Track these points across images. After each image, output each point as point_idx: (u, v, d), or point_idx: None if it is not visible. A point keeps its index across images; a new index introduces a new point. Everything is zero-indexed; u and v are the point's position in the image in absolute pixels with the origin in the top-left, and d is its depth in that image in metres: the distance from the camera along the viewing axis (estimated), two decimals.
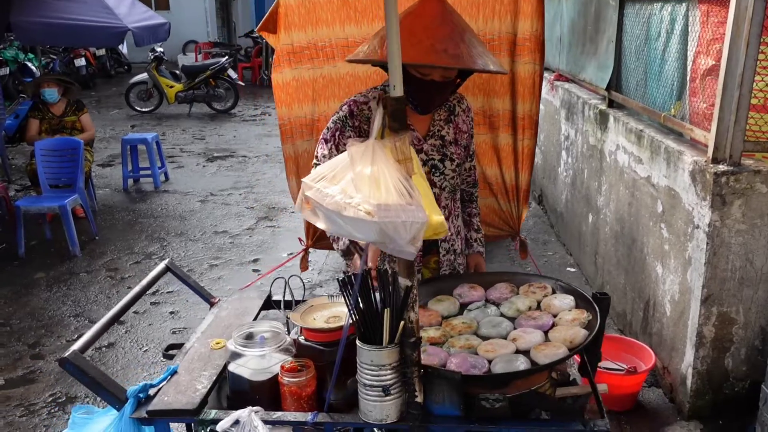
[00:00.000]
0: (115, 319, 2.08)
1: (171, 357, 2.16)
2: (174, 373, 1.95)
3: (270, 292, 2.47)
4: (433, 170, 2.34)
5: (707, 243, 3.00)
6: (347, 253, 2.19)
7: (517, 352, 1.87)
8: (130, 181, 7.99)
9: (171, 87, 12.77)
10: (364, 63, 2.32)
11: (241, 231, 6.42)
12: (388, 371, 1.71)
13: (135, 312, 4.74)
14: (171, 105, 13.05)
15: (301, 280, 2.46)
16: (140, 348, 4.27)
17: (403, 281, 1.67)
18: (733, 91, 2.87)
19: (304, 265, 3.02)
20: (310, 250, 3.15)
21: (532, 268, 4.89)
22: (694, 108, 3.36)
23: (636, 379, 3.40)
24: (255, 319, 2.31)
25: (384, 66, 2.32)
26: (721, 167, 2.93)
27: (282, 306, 2.42)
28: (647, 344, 3.62)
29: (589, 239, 4.93)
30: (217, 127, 11.71)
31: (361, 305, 1.72)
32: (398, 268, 1.68)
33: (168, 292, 5.04)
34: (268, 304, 2.45)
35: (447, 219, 2.38)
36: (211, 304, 2.49)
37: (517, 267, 5.30)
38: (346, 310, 2.04)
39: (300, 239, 3.06)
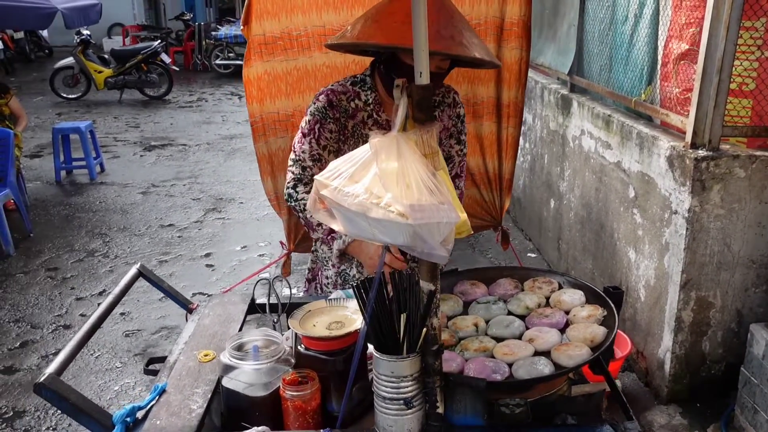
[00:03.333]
0: (91, 334, 1.86)
1: (154, 372, 1.96)
2: (162, 391, 1.76)
3: (253, 295, 2.30)
4: None
5: (687, 228, 2.99)
6: (341, 257, 2.05)
7: (535, 353, 1.78)
8: (63, 173, 7.52)
9: (100, 72, 12.12)
10: (344, 49, 2.16)
11: (189, 224, 6.13)
12: (409, 382, 1.58)
13: (82, 315, 4.44)
14: (100, 91, 12.41)
15: (288, 282, 2.30)
16: (91, 354, 3.98)
17: (426, 285, 1.54)
18: (712, 76, 2.86)
19: (287, 269, 2.84)
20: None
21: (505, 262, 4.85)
22: (666, 93, 3.36)
23: (613, 366, 3.39)
24: (242, 325, 2.14)
25: (366, 51, 2.17)
26: (701, 152, 2.93)
27: (267, 310, 2.25)
28: (620, 329, 3.62)
29: (551, 225, 4.93)
30: (151, 115, 11.20)
31: (377, 312, 1.58)
32: (418, 272, 1.55)
33: None
34: (252, 308, 2.28)
35: None
36: (190, 311, 2.29)
37: (485, 258, 5.27)
38: (347, 314, 1.90)
39: (282, 243, 2.88)
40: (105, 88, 12.19)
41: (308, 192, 1.98)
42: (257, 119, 2.59)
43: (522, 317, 1.96)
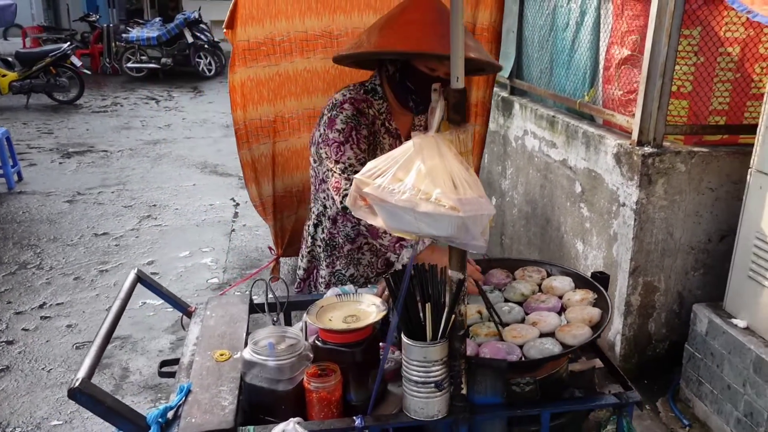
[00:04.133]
0: (109, 336, 1.86)
1: (170, 374, 1.96)
2: (189, 391, 1.78)
3: (251, 296, 2.33)
4: None
5: (635, 219, 3.26)
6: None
7: (540, 335, 1.92)
8: None
9: (3, 76, 11.45)
10: (352, 59, 2.20)
11: (125, 232, 5.95)
12: (439, 366, 1.68)
13: (24, 329, 4.24)
14: (4, 96, 11.71)
15: (285, 281, 2.34)
16: (42, 368, 3.82)
17: (455, 274, 1.65)
18: (656, 79, 3.13)
19: (276, 274, 2.85)
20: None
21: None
22: (609, 95, 3.63)
23: None
24: (247, 325, 2.17)
25: (368, 62, 2.21)
26: (647, 149, 3.19)
27: (266, 309, 2.29)
28: None
29: (493, 221, 5.15)
30: (64, 120, 10.71)
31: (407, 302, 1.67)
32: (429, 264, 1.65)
33: (58, 304, 4.56)
34: (251, 308, 2.31)
35: None
36: (188, 314, 2.29)
37: None
38: (361, 308, 1.98)
39: (270, 248, 2.90)
40: (10, 92, 11.53)
41: None
42: (241, 126, 2.61)
43: (519, 303, 2.11)
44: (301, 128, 2.76)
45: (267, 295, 2.32)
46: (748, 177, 2.93)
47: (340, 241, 2.35)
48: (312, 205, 2.45)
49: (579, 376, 1.99)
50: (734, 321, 3.01)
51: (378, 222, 1.56)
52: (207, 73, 15.06)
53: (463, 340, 1.71)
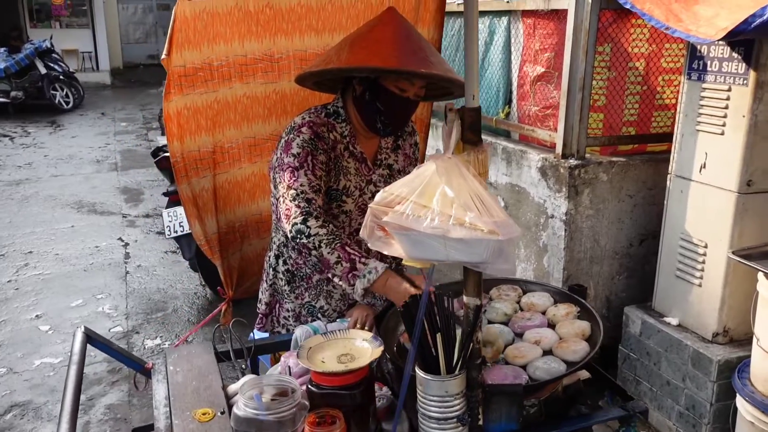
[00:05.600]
0: (75, 416, 1.59)
1: None
2: None
3: (214, 343, 2.12)
4: None
5: (565, 230, 3.36)
6: (365, 295, 1.94)
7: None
8: None
9: None
10: (315, 78, 2.09)
11: (1, 285, 5.32)
12: (460, 399, 1.60)
13: None
14: None
15: (245, 323, 2.16)
16: None
17: (472, 301, 1.58)
18: (575, 93, 3.26)
19: (227, 319, 2.61)
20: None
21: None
22: (524, 111, 3.74)
23: None
24: (221, 376, 1.96)
25: (330, 82, 2.10)
26: (572, 161, 3.31)
27: (233, 356, 2.10)
28: None
29: None
30: None
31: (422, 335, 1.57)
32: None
33: None
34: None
35: None
36: (146, 371, 2.04)
37: None
38: (354, 345, 1.86)
39: (220, 290, 2.66)
40: None
41: (322, 226, 1.88)
42: (178, 159, 2.39)
43: (503, 323, 2.07)
44: (242, 158, 2.58)
45: (231, 342, 2.13)
46: (668, 182, 3.12)
47: (307, 271, 2.21)
48: (273, 234, 2.29)
49: (578, 392, 1.97)
50: (667, 319, 3.18)
51: (396, 251, 1.46)
52: (65, 105, 14.01)
53: (480, 369, 1.64)
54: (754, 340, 2.60)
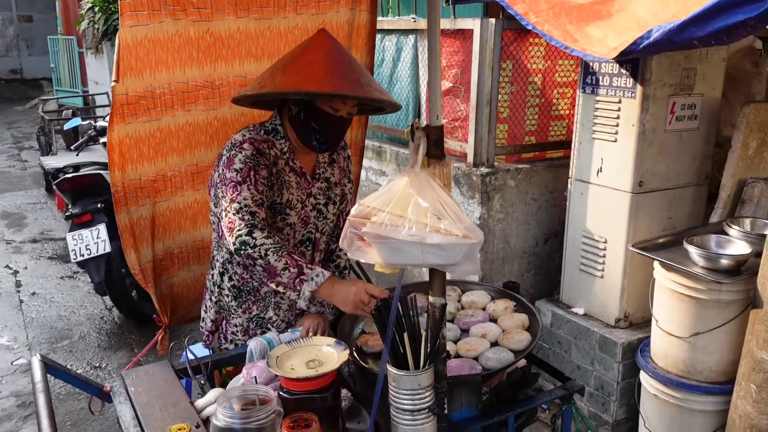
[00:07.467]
0: None
1: None
2: None
3: (171, 362, 2.13)
4: (318, 215, 2.30)
5: None
6: (311, 300, 2.03)
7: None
8: None
9: None
10: (251, 100, 2.18)
11: None
12: (429, 391, 1.74)
13: None
14: None
15: (201, 340, 2.19)
16: None
17: (438, 300, 1.73)
18: (483, 107, 3.52)
19: (164, 346, 2.58)
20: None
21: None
22: None
23: None
24: (190, 391, 1.99)
25: (268, 102, 2.19)
26: (483, 170, 3.57)
27: (191, 373, 2.13)
28: None
29: None
30: None
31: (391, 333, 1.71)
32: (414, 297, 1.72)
33: None
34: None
35: (322, 263, 2.42)
36: (104, 395, 2.02)
37: None
38: (321, 350, 1.96)
39: (155, 318, 2.62)
40: None
41: (267, 237, 1.95)
42: (119, 188, 2.36)
43: (449, 321, 2.24)
44: (185, 186, 2.58)
45: (188, 358, 2.16)
46: (570, 186, 3.44)
47: (254, 284, 2.28)
48: (215, 253, 2.33)
49: (521, 378, 2.16)
50: (574, 310, 3.50)
51: (373, 259, 1.59)
52: None
53: (445, 362, 1.80)
54: (653, 321, 2.94)
